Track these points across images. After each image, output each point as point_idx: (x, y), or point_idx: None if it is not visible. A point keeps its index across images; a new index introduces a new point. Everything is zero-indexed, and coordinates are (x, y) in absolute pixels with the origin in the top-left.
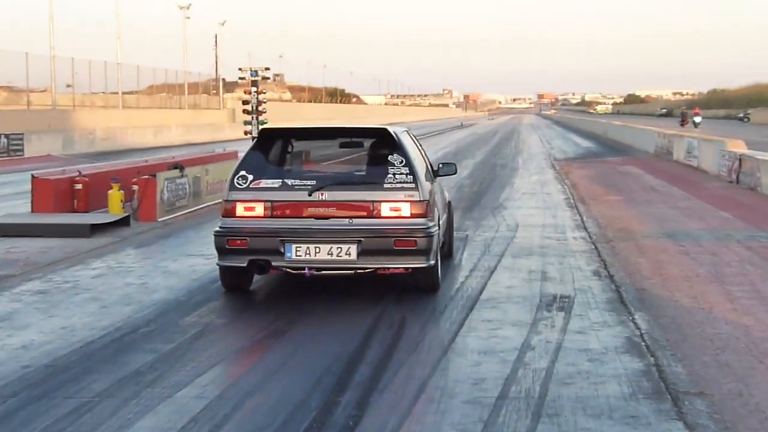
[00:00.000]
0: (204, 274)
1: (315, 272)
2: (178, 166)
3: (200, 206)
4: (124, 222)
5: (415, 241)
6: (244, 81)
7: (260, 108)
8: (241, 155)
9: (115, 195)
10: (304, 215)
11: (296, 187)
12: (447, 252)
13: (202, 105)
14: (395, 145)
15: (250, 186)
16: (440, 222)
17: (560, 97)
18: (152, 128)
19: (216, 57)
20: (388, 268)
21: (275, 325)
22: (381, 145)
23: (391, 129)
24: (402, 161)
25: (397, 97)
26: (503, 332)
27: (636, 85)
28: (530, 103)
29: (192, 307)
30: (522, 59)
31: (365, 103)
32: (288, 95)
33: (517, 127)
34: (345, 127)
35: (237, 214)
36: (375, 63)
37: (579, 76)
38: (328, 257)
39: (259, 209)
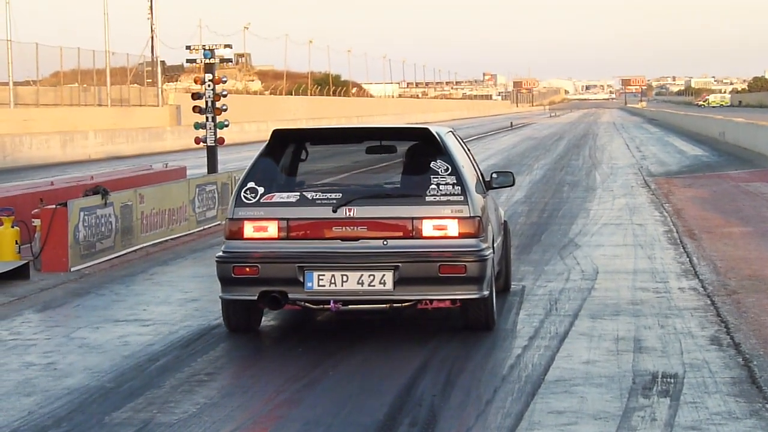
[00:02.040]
0: (140, 348)
1: (341, 307)
2: (100, 190)
3: (132, 248)
4: (20, 273)
5: (465, 266)
6: (193, 65)
7: (218, 104)
8: (244, 165)
9: (6, 234)
10: (328, 236)
11: (318, 201)
12: (503, 285)
13: (133, 100)
14: (439, 149)
15: (261, 201)
16: (495, 245)
17: (654, 83)
18: (59, 135)
19: (152, 30)
20: (432, 301)
21: (275, 402)
22: (421, 149)
23: (433, 129)
24: (448, 169)
25: (416, 85)
26: (581, 429)
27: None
28: (611, 91)
29: (123, 398)
30: (598, 30)
31: (370, 95)
32: (257, 84)
33: (593, 128)
34: (376, 127)
35: (245, 236)
36: (383, 38)
37: (681, 52)
38: (359, 287)
39: (273, 229)
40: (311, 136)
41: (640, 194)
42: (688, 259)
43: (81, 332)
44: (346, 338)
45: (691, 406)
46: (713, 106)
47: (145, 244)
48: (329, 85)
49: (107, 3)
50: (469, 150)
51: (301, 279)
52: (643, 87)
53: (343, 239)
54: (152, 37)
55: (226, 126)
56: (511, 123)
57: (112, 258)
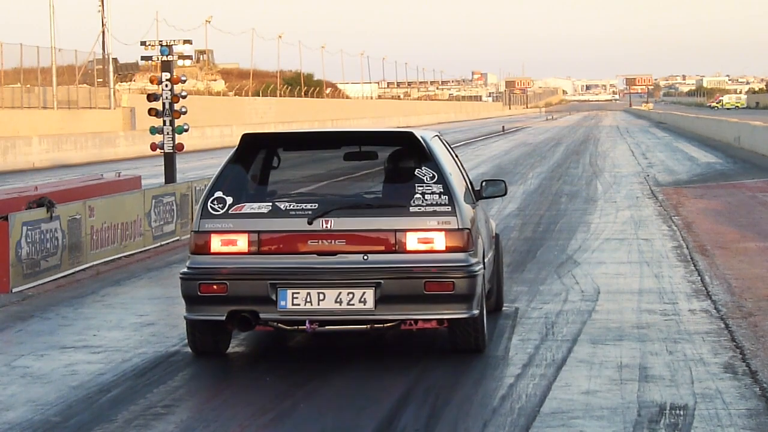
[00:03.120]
0: (89, 378)
1: (318, 327)
2: (44, 202)
3: (81, 267)
4: None
5: (453, 283)
6: (149, 63)
7: (176, 106)
8: (209, 173)
9: None
10: (303, 250)
11: (292, 212)
12: (495, 304)
13: (82, 102)
14: (424, 155)
15: (230, 212)
16: (485, 260)
17: (662, 83)
18: None
19: (103, 24)
20: (416, 321)
21: None
22: (405, 155)
23: (417, 133)
24: (434, 176)
25: (398, 85)
26: None
27: None
28: (614, 92)
29: None
30: (600, 24)
31: (346, 96)
32: (220, 84)
33: (594, 132)
34: (355, 131)
35: (212, 250)
36: (360, 33)
37: (692, 49)
38: (337, 306)
39: (243, 243)
40: (284, 140)
41: (646, 206)
42: (699, 277)
43: (24, 360)
44: (320, 365)
45: None
46: (727, 108)
47: (95, 262)
48: (301, 85)
49: None
50: (457, 156)
51: (274, 297)
52: (650, 87)
53: (320, 254)
54: (103, 32)
55: (186, 131)
56: (503, 127)
57: (59, 278)
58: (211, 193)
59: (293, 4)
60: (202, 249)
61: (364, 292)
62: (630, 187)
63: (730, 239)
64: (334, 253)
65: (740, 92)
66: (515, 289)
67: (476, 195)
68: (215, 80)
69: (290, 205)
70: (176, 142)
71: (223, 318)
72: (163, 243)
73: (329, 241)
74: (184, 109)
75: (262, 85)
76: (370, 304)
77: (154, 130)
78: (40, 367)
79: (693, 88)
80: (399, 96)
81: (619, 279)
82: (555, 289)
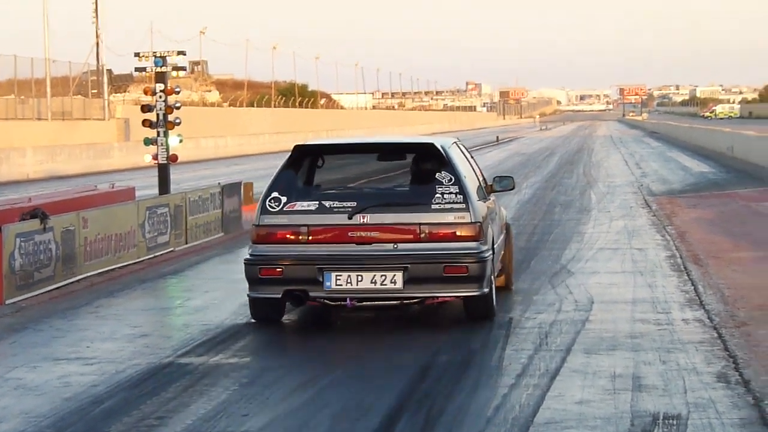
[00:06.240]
0: (82, 390)
1: (356, 303)
2: (38, 213)
3: (74, 278)
4: None
5: (467, 266)
6: (143, 74)
7: (171, 117)
8: (264, 177)
9: None
10: (344, 240)
11: (335, 209)
12: (505, 283)
13: (77, 113)
14: (443, 162)
15: (284, 209)
16: (495, 245)
17: (656, 93)
18: None
19: (97, 36)
20: (437, 297)
21: None
22: (427, 161)
23: (438, 143)
24: (451, 179)
25: (392, 96)
26: None
27: None
28: (608, 102)
29: None
30: (594, 34)
31: (341, 107)
32: (215, 95)
33: (588, 142)
34: (387, 141)
35: (270, 240)
36: (355, 44)
37: (685, 59)
38: (372, 286)
39: (295, 235)
40: (329, 149)
41: (639, 215)
42: (692, 287)
43: (17, 372)
44: (310, 373)
45: None
46: (721, 118)
47: (88, 274)
48: (295, 95)
49: (47, 4)
50: (472, 157)
51: (321, 279)
52: (644, 97)
53: (358, 243)
54: (97, 43)
55: (180, 142)
56: (497, 137)
57: (52, 289)
58: (268, 193)
59: (287, 15)
60: (263, 239)
61: (394, 275)
62: (624, 197)
63: (723, 249)
64: (369, 243)
65: (733, 102)
66: (509, 300)
67: (489, 189)
68: (209, 91)
69: (333, 203)
70: (170, 153)
71: (279, 296)
72: (156, 254)
73: (365, 233)
74: (178, 120)
75: (256, 96)
76: (399, 284)
77: (148, 141)
78: (33, 378)
79: (686, 98)
80: (393, 106)
81: (612, 289)
82: (549, 299)
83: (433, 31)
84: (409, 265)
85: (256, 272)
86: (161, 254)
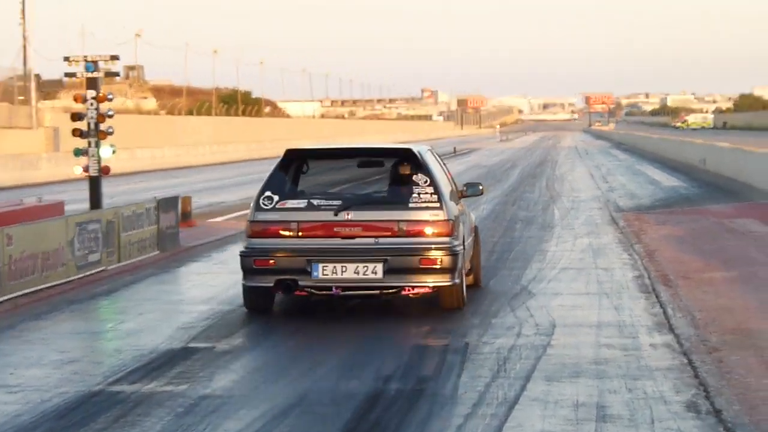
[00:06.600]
0: (5, 420)
1: (341, 292)
2: None
3: None
4: None
5: (440, 259)
6: (74, 80)
7: (103, 126)
8: (263, 176)
9: None
10: (330, 235)
11: (322, 207)
12: (473, 281)
13: (2, 121)
14: (419, 165)
15: (276, 207)
16: (465, 243)
17: (624, 101)
18: None
19: (24, 38)
20: (413, 287)
21: None
22: (405, 164)
23: (415, 148)
24: (426, 181)
25: (342, 104)
26: None
27: (755, 79)
28: (573, 111)
29: None
30: (558, 39)
31: (287, 116)
32: (151, 102)
33: (551, 154)
34: (369, 147)
35: (263, 235)
36: (302, 49)
37: (656, 65)
38: (355, 276)
39: (286, 230)
40: (317, 153)
41: (606, 233)
42: (661, 309)
43: None
44: (252, 402)
45: None
46: (693, 129)
47: (13, 295)
48: (238, 103)
49: None
50: (444, 164)
51: (309, 269)
52: (611, 106)
53: (343, 237)
54: (24, 46)
55: (113, 152)
56: (455, 148)
57: None
58: (262, 192)
59: (229, 18)
60: (257, 234)
61: (375, 266)
62: (589, 213)
63: (694, 268)
64: (353, 237)
65: (707, 111)
66: (465, 322)
67: (460, 194)
68: (146, 98)
69: (321, 202)
70: (102, 165)
71: (272, 285)
72: (87, 274)
73: (349, 228)
74: (111, 130)
75: (196, 104)
76: (379, 274)
77: (78, 152)
78: None
79: (657, 106)
80: (343, 115)
81: (576, 311)
82: (508, 323)
83: (386, 36)
84: (388, 258)
85: (251, 263)
86: (92, 274)
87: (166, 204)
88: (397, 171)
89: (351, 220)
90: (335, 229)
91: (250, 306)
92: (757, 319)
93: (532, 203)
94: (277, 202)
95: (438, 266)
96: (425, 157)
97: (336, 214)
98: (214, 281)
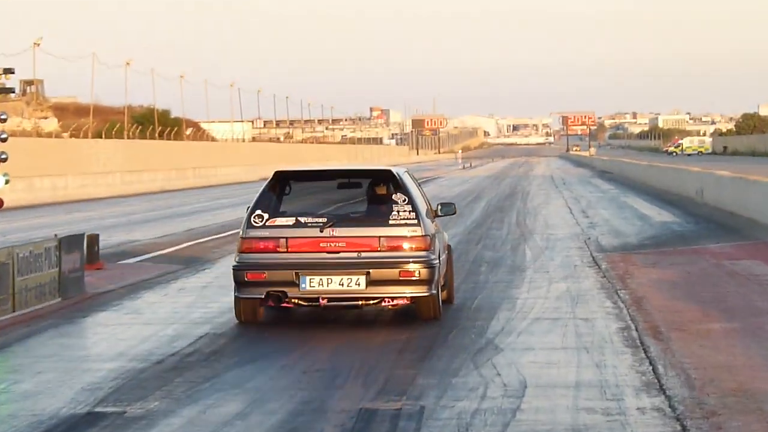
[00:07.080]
0: None
1: (327, 303)
2: None
3: None
4: None
5: (418, 271)
6: None
7: None
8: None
9: None
10: (316, 250)
11: (309, 224)
12: (447, 297)
13: None
14: (398, 185)
15: (266, 224)
16: (441, 258)
17: (607, 122)
18: None
19: None
20: (394, 297)
21: None
22: (385, 184)
23: (394, 170)
24: (405, 200)
25: (277, 125)
26: None
27: (761, 96)
28: (548, 133)
29: None
30: (530, 50)
31: (212, 139)
32: (53, 123)
33: (522, 183)
34: (351, 168)
35: (255, 250)
36: (229, 62)
37: (645, 81)
38: (340, 287)
39: (275, 245)
40: (303, 175)
41: (586, 276)
42: (651, 367)
43: None
44: None
45: None
46: (689, 154)
47: None
48: (154, 124)
49: None
50: (420, 186)
51: (297, 282)
52: (593, 127)
53: (328, 252)
54: None
55: (7, 182)
56: None
57: None
58: (253, 210)
59: (144, 25)
60: (248, 249)
61: (358, 278)
62: (566, 253)
63: (689, 319)
64: (337, 252)
65: (704, 134)
66: (421, 382)
67: (434, 214)
68: (46, 118)
69: (307, 219)
70: None
71: (262, 296)
72: None
73: (334, 243)
74: (4, 155)
75: (105, 124)
76: (362, 285)
77: None
78: None
79: (646, 128)
80: (279, 138)
81: (551, 369)
82: (471, 383)
83: (328, 47)
84: (370, 270)
85: (243, 276)
86: None
87: (70, 243)
88: (378, 191)
89: (335, 236)
90: (321, 245)
91: (241, 318)
92: (763, 378)
93: (500, 242)
94: (267, 220)
95: (416, 278)
96: (403, 177)
97: (321, 231)
98: (125, 334)
